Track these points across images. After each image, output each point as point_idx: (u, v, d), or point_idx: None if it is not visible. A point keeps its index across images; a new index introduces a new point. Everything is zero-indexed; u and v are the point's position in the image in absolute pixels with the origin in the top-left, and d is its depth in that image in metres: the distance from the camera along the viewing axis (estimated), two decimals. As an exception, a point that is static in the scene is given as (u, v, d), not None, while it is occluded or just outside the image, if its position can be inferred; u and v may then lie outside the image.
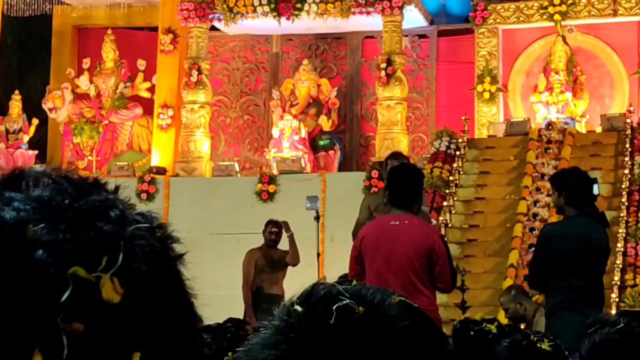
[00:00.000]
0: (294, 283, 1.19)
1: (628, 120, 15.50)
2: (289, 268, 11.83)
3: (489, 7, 17.53)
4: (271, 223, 12.09)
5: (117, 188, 0.96)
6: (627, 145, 14.93)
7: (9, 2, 18.76)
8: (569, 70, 17.12)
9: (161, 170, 17.40)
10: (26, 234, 0.87)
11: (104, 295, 0.87)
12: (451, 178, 15.17)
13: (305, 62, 18.32)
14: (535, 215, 14.00)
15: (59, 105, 18.85)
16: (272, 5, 17.29)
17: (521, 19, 17.52)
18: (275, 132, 17.63)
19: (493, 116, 17.35)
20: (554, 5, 17.10)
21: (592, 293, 6.90)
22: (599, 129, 16.18)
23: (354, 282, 1.12)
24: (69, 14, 19.50)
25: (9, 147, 18.45)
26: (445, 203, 14.65)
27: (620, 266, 12.75)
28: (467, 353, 4.65)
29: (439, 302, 7.55)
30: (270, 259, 11.87)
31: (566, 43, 17.23)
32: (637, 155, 14.66)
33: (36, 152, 18.52)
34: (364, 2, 16.98)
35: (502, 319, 8.08)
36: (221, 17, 17.60)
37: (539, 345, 3.57)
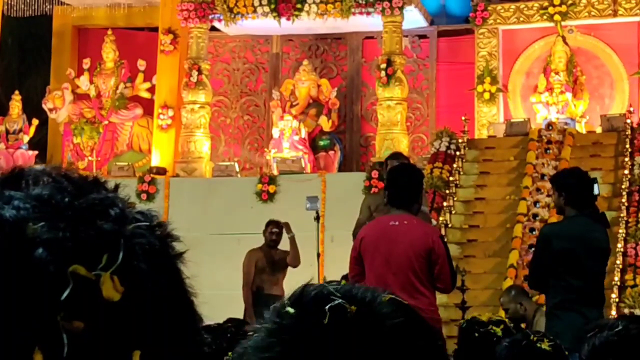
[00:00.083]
0: (294, 283, 1.19)
1: (628, 121, 15.49)
2: (289, 268, 11.83)
3: (489, 8, 17.53)
4: (272, 223, 12.08)
5: (116, 186, 0.96)
6: (627, 146, 14.93)
7: (9, 2, 18.76)
8: (569, 70, 17.12)
9: (161, 171, 17.40)
10: (26, 233, 0.87)
11: (104, 294, 0.87)
12: (451, 178, 15.16)
13: (305, 62, 18.32)
14: (535, 215, 14.00)
15: (59, 106, 18.85)
16: (272, 6, 17.29)
17: (521, 19, 17.52)
18: (275, 132, 17.63)
19: (493, 116, 17.35)
20: (554, 6, 17.10)
21: (592, 293, 6.89)
22: (599, 130, 16.18)
23: (342, 282, 1.13)
24: (69, 14, 19.50)
25: (9, 148, 18.45)
26: (445, 203, 14.65)
27: (620, 266, 12.75)
28: (470, 353, 4.65)
29: (439, 302, 7.55)
30: (271, 260, 11.86)
31: (566, 43, 17.23)
32: (637, 156, 14.66)
33: (36, 152, 18.52)
34: (364, 2, 16.98)
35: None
36: (221, 17, 17.60)
37: (538, 345, 3.57)
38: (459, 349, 4.88)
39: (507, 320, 4.44)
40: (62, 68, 19.23)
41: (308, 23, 17.52)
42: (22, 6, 18.83)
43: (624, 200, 13.94)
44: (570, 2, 17.06)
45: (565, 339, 5.01)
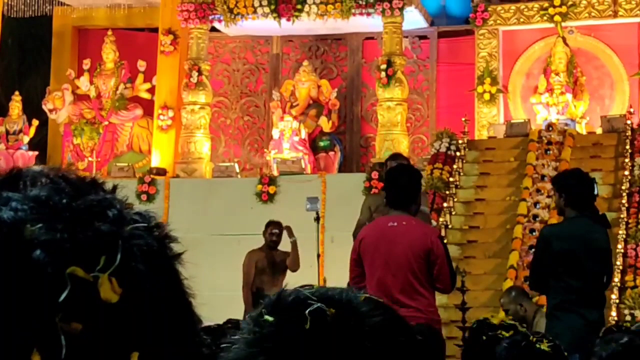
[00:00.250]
0: (294, 284, 1.19)
1: (628, 122, 15.50)
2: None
3: (489, 9, 17.53)
4: (272, 224, 12.06)
5: (114, 188, 0.96)
6: (627, 147, 14.93)
7: (9, 2, 18.77)
8: (569, 71, 17.12)
9: (161, 171, 17.40)
10: (24, 234, 0.87)
11: (102, 295, 0.87)
12: (451, 179, 15.16)
13: (305, 63, 18.33)
14: (535, 216, 14.00)
15: (59, 106, 18.86)
16: (273, 7, 17.29)
17: (521, 20, 17.52)
18: (275, 133, 17.63)
19: (493, 117, 17.36)
20: (554, 7, 17.10)
21: (592, 294, 6.89)
22: (599, 130, 16.18)
23: (348, 285, 1.13)
24: (69, 15, 19.51)
25: (9, 148, 18.46)
26: (445, 204, 14.65)
27: (621, 267, 12.75)
28: (475, 356, 4.64)
29: (439, 303, 7.55)
30: (271, 261, 11.85)
31: (566, 44, 17.24)
32: (637, 157, 14.66)
33: (36, 153, 18.53)
34: (364, 3, 16.99)
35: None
36: (221, 18, 17.61)
37: (538, 345, 3.57)
38: (465, 348, 4.88)
39: (518, 324, 4.42)
40: (62, 69, 19.24)
41: (308, 24, 17.53)
42: (22, 7, 18.83)
43: (624, 201, 13.94)
44: (570, 2, 17.06)
45: (565, 340, 5.02)
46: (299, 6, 17.18)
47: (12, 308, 0.85)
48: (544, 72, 17.33)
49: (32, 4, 18.86)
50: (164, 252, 0.94)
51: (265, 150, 17.93)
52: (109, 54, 18.99)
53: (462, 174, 15.41)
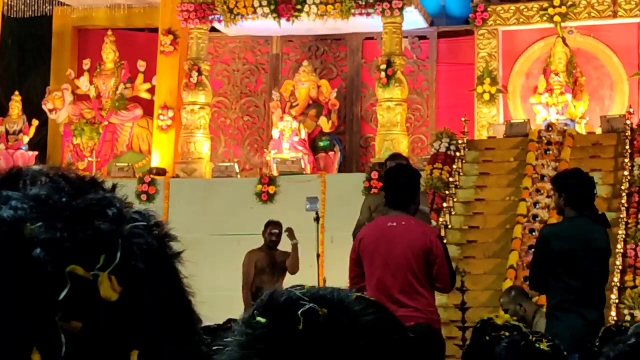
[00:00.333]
0: (294, 284, 1.19)
1: (628, 122, 15.50)
2: (289, 268, 11.84)
3: (489, 9, 17.53)
4: (271, 224, 12.06)
5: (114, 187, 0.96)
6: (627, 147, 14.93)
7: (9, 3, 18.77)
8: (569, 71, 17.12)
9: (161, 172, 17.40)
10: (24, 233, 0.87)
11: (102, 294, 0.87)
12: (451, 179, 15.16)
13: (305, 63, 18.33)
14: (535, 216, 14.00)
15: (59, 107, 18.86)
16: (273, 7, 17.29)
17: (521, 20, 17.52)
18: (275, 133, 17.63)
19: (493, 118, 17.35)
20: (554, 7, 17.10)
21: (592, 294, 6.89)
22: (599, 131, 16.18)
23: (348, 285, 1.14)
24: (69, 15, 19.51)
25: (9, 149, 18.46)
26: (445, 204, 14.65)
27: (620, 268, 12.75)
28: (477, 355, 4.64)
29: (439, 303, 7.55)
30: (271, 261, 11.84)
31: (566, 45, 17.23)
32: (637, 157, 14.65)
33: (36, 153, 18.52)
34: (364, 3, 16.99)
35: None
36: (221, 18, 17.60)
37: (537, 345, 3.57)
38: (469, 347, 4.88)
39: (522, 326, 4.41)
40: (62, 69, 19.24)
41: (308, 24, 17.53)
42: (23, 7, 18.83)
43: (623, 201, 13.94)
44: (570, 3, 17.06)
45: (565, 340, 5.02)
46: (299, 6, 17.18)
47: (12, 307, 0.85)
48: (543, 73, 17.33)
49: (32, 4, 18.86)
50: (163, 251, 0.94)
51: (265, 150, 17.93)
52: (109, 54, 18.99)
53: (462, 174, 15.41)
